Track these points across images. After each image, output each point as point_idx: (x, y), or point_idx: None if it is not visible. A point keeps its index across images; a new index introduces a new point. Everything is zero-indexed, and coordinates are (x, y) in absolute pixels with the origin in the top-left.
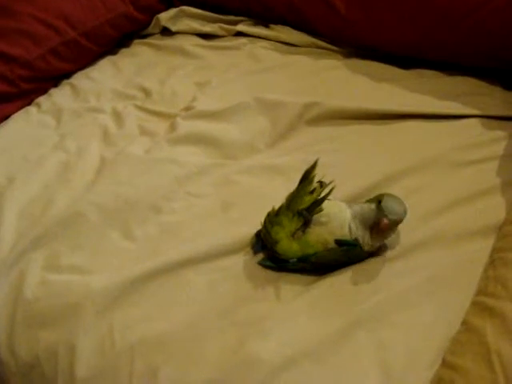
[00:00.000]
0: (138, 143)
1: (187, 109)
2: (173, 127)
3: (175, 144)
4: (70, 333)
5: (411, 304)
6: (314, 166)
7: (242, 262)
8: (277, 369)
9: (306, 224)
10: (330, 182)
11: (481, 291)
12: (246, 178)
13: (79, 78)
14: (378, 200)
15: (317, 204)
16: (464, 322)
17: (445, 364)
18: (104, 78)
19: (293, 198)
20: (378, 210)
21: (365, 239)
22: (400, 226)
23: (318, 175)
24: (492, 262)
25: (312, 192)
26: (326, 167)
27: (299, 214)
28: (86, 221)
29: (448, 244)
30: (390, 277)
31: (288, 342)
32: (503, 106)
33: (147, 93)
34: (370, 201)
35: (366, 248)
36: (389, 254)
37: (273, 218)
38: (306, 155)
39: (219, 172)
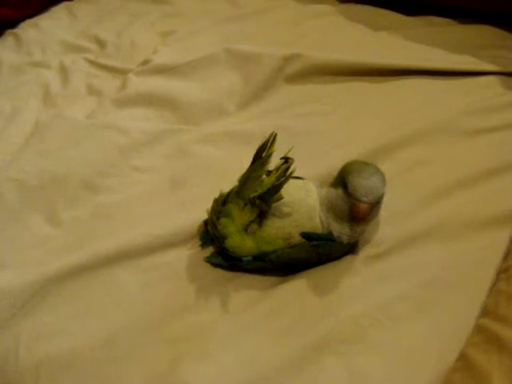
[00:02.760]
0: (80, 105)
1: (144, 63)
2: (124, 85)
3: (123, 106)
4: None
5: (397, 319)
6: (269, 141)
7: (185, 258)
8: None
9: (263, 215)
10: (291, 161)
11: (489, 312)
12: (206, 148)
13: (26, 28)
14: (343, 181)
15: (272, 191)
16: (463, 356)
17: None
18: (55, 27)
19: (244, 183)
20: (347, 196)
21: (340, 230)
22: (392, 212)
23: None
24: (506, 271)
25: (271, 172)
26: (307, 134)
27: (252, 203)
28: (1, 201)
29: (452, 236)
30: (373, 281)
31: (232, 368)
32: None
33: (102, 45)
34: (334, 180)
35: (346, 239)
36: (373, 250)
37: (220, 206)
38: (283, 119)
39: (173, 141)
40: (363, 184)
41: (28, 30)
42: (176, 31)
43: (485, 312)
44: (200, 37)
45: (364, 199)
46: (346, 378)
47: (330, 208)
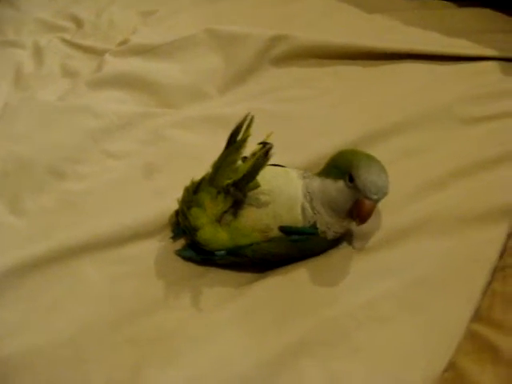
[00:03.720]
0: (53, 87)
1: (122, 43)
2: (100, 66)
3: (98, 87)
4: None
5: (382, 320)
6: (243, 124)
7: (155, 251)
8: None
9: (238, 204)
10: (269, 146)
11: (482, 316)
12: (183, 133)
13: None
14: (346, 173)
15: (248, 178)
16: (453, 365)
17: None
18: (31, 5)
19: (217, 169)
20: (352, 191)
21: (329, 225)
22: (381, 204)
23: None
24: (502, 270)
25: (247, 159)
26: (292, 120)
27: (225, 191)
28: None
29: (445, 231)
30: (357, 278)
31: (202, 372)
32: None
33: (79, 24)
34: (328, 169)
35: (330, 237)
36: (360, 244)
37: (191, 195)
38: (266, 104)
39: (149, 125)
40: (374, 181)
41: (2, 8)
42: (157, 11)
43: (478, 316)
44: (181, 17)
45: (374, 197)
46: (322, 381)
47: (325, 201)
